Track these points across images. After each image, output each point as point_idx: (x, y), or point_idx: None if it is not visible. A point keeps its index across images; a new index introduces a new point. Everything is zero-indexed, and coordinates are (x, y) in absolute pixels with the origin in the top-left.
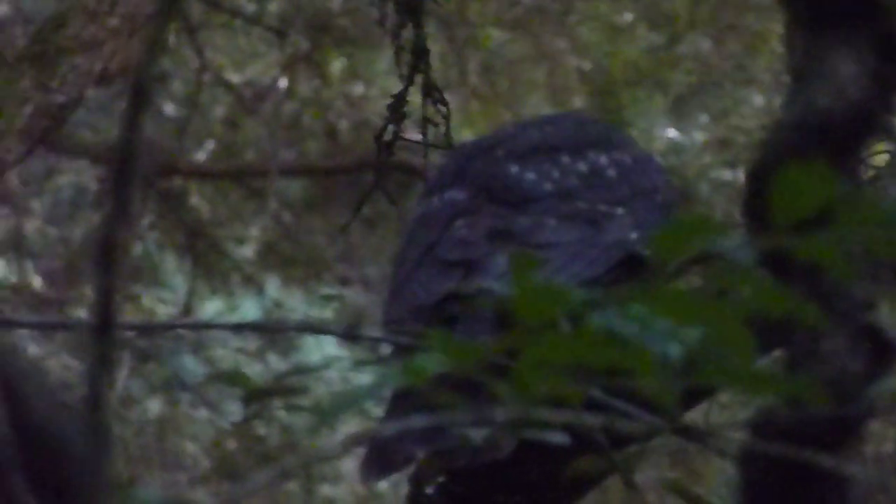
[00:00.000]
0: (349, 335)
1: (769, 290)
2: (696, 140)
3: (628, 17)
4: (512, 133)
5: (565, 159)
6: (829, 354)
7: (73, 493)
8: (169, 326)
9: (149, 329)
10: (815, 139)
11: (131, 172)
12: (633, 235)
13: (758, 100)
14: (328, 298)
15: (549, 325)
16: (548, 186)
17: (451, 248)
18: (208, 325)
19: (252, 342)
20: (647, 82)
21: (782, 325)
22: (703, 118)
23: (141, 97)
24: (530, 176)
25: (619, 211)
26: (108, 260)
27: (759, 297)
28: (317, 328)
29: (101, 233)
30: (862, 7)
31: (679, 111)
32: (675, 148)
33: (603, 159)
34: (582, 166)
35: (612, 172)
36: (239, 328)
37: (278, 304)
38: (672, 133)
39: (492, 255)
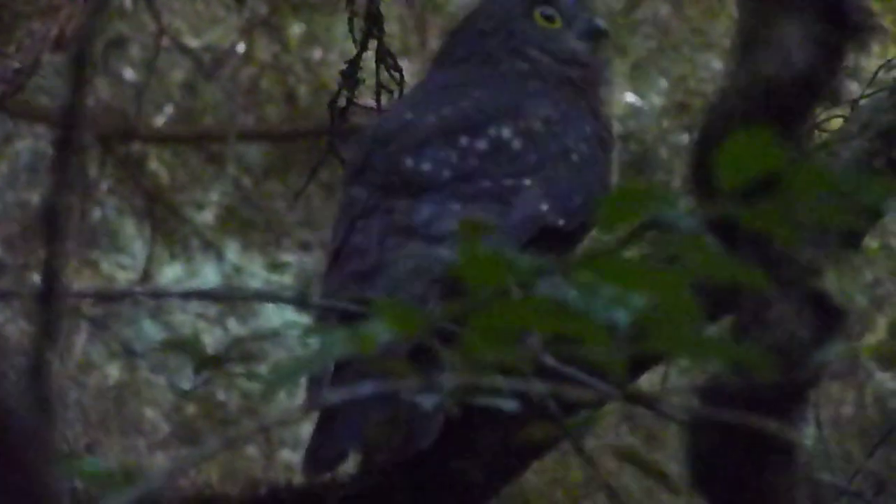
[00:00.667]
0: (301, 303)
1: (716, 256)
2: (655, 104)
3: None
4: (410, 120)
5: (463, 141)
6: (777, 321)
7: (16, 462)
8: (127, 293)
9: (107, 296)
10: (761, 106)
11: (77, 138)
12: (544, 207)
13: (716, 64)
14: (284, 264)
15: (496, 292)
16: (446, 173)
17: (348, 258)
18: (166, 293)
19: (212, 308)
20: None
21: (730, 291)
22: (662, 83)
23: (83, 60)
24: (426, 166)
25: (527, 182)
26: (54, 227)
27: (705, 263)
28: (269, 296)
29: (48, 200)
30: None
31: (638, 75)
32: (633, 112)
33: (506, 131)
34: (482, 144)
35: (517, 143)
36: (195, 295)
37: (238, 270)
38: (631, 97)
39: (382, 266)
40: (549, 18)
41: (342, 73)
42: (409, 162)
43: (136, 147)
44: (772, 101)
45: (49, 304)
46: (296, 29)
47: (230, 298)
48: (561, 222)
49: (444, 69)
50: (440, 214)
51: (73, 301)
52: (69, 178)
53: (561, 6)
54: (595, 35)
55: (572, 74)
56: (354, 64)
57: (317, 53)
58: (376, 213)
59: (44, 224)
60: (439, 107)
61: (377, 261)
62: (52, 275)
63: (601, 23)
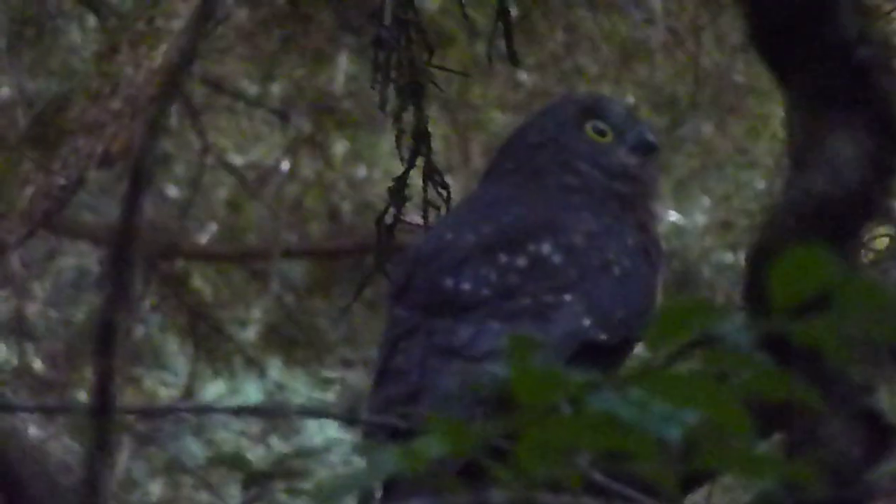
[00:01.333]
0: (349, 419)
1: (768, 373)
2: (698, 223)
3: (631, 99)
4: (451, 239)
5: (503, 258)
6: (828, 438)
7: None
8: (170, 410)
9: (150, 413)
10: (813, 223)
11: (130, 255)
12: (586, 322)
13: (759, 183)
14: (328, 381)
15: (548, 408)
16: (486, 291)
17: (390, 380)
18: (209, 409)
19: (254, 425)
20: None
21: (782, 408)
22: (705, 201)
23: (140, 179)
24: (466, 286)
25: (568, 298)
26: (106, 344)
27: (758, 380)
28: (316, 412)
29: (100, 316)
30: (860, 91)
31: (681, 194)
32: (677, 230)
33: (545, 247)
34: (521, 261)
35: (556, 258)
36: (239, 412)
37: (280, 387)
38: (674, 216)
39: (424, 389)
40: (600, 133)
41: (389, 190)
42: (448, 282)
43: (180, 264)
44: (824, 218)
45: (102, 420)
46: (339, 146)
47: (276, 415)
48: (603, 337)
49: (491, 183)
50: (480, 334)
51: (117, 417)
52: (123, 293)
53: (612, 120)
54: (646, 149)
55: (622, 189)
56: (402, 181)
57: (360, 171)
58: (417, 333)
59: (97, 339)
60: (480, 224)
61: (419, 383)
62: (105, 390)
63: (652, 137)
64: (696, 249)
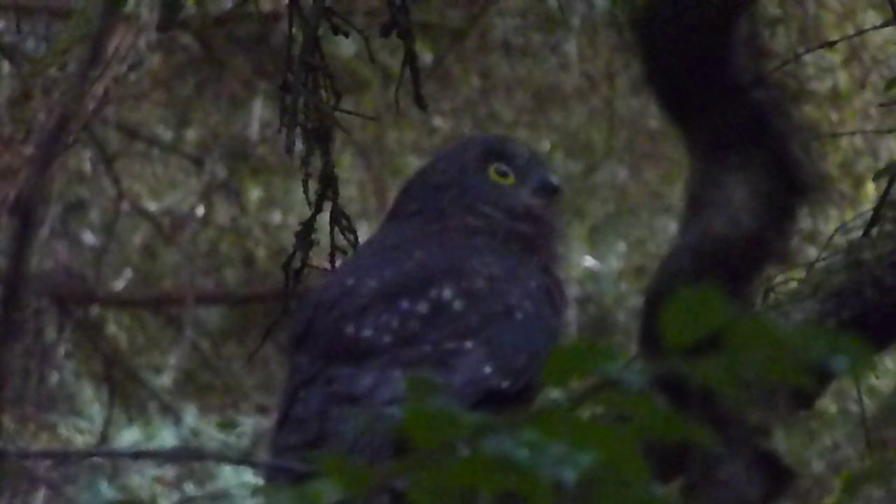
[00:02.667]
0: (247, 462)
1: (664, 415)
2: (613, 267)
3: (546, 144)
4: (352, 285)
5: (404, 304)
6: (727, 480)
7: None
8: (82, 455)
9: (62, 457)
10: (709, 265)
11: (18, 297)
12: (488, 369)
13: (674, 227)
14: (231, 424)
15: (443, 449)
16: (387, 339)
17: (290, 429)
18: (118, 454)
19: (169, 471)
20: (565, 210)
21: (680, 451)
22: (620, 246)
23: (29, 221)
24: (367, 333)
25: (469, 345)
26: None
27: (654, 422)
28: (215, 456)
29: None
30: (756, 133)
31: (596, 239)
32: (592, 275)
33: (447, 292)
34: (422, 307)
35: (458, 304)
36: (141, 456)
37: (196, 433)
38: (589, 261)
39: (324, 437)
40: (503, 175)
41: (297, 234)
42: (350, 328)
43: (95, 310)
44: (720, 260)
45: None
46: (254, 192)
47: (179, 459)
48: (505, 384)
49: (395, 225)
50: (382, 382)
51: (29, 463)
52: (11, 337)
53: (515, 162)
54: (549, 191)
55: (525, 230)
56: (309, 226)
57: (275, 217)
58: (317, 381)
59: None
60: (382, 269)
61: (319, 432)
62: None
63: (555, 179)
64: (611, 294)
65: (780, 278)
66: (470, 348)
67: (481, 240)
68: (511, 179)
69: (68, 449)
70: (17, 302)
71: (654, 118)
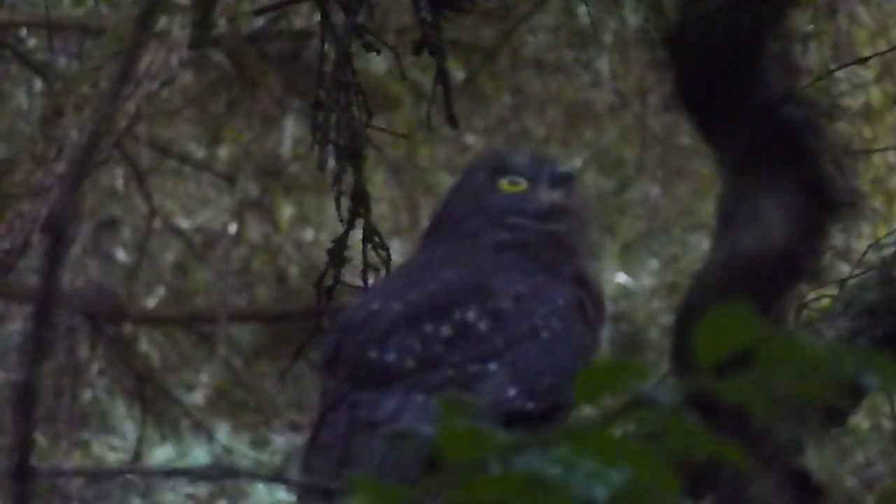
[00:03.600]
0: (277, 480)
1: (695, 432)
2: (646, 285)
3: (577, 162)
4: (377, 309)
5: (428, 327)
6: (758, 498)
7: None
8: (115, 473)
9: (96, 475)
10: (740, 282)
11: (51, 314)
12: (512, 392)
13: (706, 244)
14: (266, 442)
15: (475, 466)
16: (410, 363)
17: (317, 454)
18: (152, 472)
19: (202, 488)
20: (597, 227)
21: (711, 468)
22: (653, 263)
23: (60, 238)
24: (390, 357)
25: (493, 367)
26: (27, 403)
27: (685, 439)
28: (247, 474)
29: (21, 376)
30: (787, 150)
31: (628, 256)
32: (624, 293)
33: (471, 314)
34: (446, 330)
35: (482, 326)
36: (174, 474)
37: (228, 451)
38: (622, 278)
39: (348, 464)
40: (514, 184)
41: (329, 251)
42: (373, 353)
43: (127, 328)
44: (751, 277)
45: (22, 482)
46: (287, 210)
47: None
48: (530, 405)
49: (428, 248)
50: (403, 408)
51: (61, 481)
52: (44, 353)
53: (521, 169)
54: (563, 179)
55: (557, 228)
56: (341, 243)
57: (308, 234)
58: (343, 406)
59: (18, 400)
60: (407, 292)
61: (342, 458)
62: (25, 451)
63: (564, 168)
64: (643, 312)
65: (811, 296)
66: (494, 370)
67: (511, 256)
68: (523, 185)
69: (101, 467)
70: (49, 319)
71: (686, 135)
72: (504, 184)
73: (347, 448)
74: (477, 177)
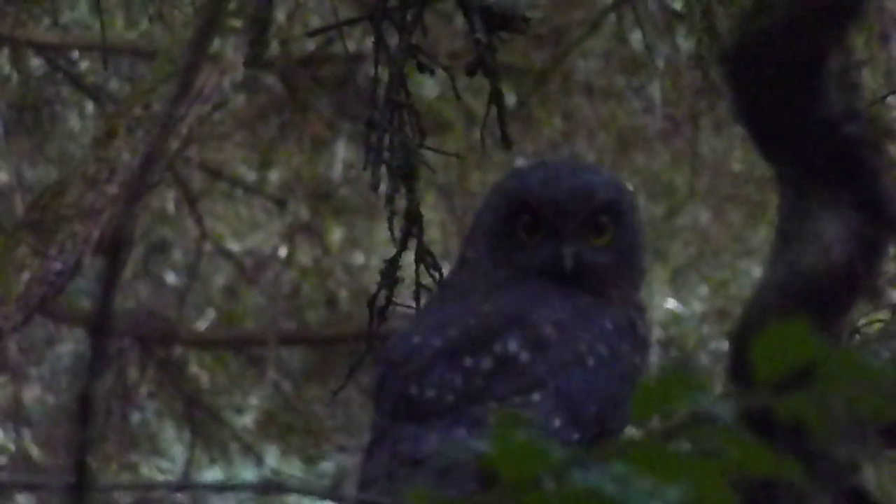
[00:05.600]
0: (329, 496)
1: (752, 449)
2: (696, 310)
3: (629, 186)
4: (418, 343)
5: (468, 361)
6: None
7: None
8: (170, 487)
9: (142, 488)
10: (798, 300)
11: (109, 329)
12: (557, 423)
13: (757, 271)
14: (317, 459)
15: (530, 482)
16: (450, 398)
17: (364, 487)
18: (197, 487)
19: None
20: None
21: (768, 486)
22: (703, 289)
23: (117, 257)
24: (430, 393)
25: (536, 397)
26: (85, 417)
27: (742, 456)
28: (300, 489)
29: (80, 387)
30: (846, 168)
31: (678, 282)
32: (675, 318)
33: (513, 344)
34: (487, 363)
35: (524, 356)
36: (222, 489)
37: (277, 474)
38: (672, 304)
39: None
40: (529, 232)
41: (381, 272)
42: (413, 389)
43: (177, 350)
44: (809, 294)
45: (79, 495)
46: (337, 233)
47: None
48: (576, 436)
49: (462, 272)
50: (447, 442)
51: (107, 495)
52: (102, 366)
53: (543, 213)
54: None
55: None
56: (394, 263)
57: (358, 258)
58: (385, 441)
59: (77, 413)
60: (445, 326)
61: (386, 493)
62: (82, 464)
63: (567, 256)
64: (693, 337)
65: (865, 320)
66: (538, 401)
67: (551, 279)
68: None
69: (153, 482)
70: (105, 341)
71: (737, 160)
72: (520, 226)
73: (391, 483)
74: (500, 207)
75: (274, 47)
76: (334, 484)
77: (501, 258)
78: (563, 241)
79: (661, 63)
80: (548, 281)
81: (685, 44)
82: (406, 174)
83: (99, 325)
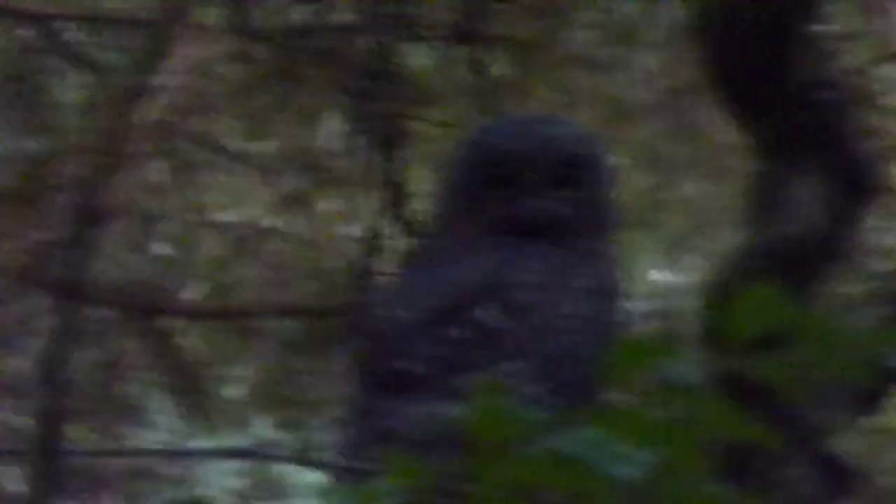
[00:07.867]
0: (313, 463)
1: (725, 413)
2: (687, 281)
3: (622, 158)
4: (396, 315)
5: (447, 331)
6: (787, 480)
7: None
8: (153, 453)
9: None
10: (770, 264)
11: (78, 293)
12: (538, 388)
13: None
14: (299, 427)
15: (505, 446)
16: (432, 369)
17: (346, 455)
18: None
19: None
20: (642, 225)
21: (742, 451)
22: (695, 260)
23: (92, 227)
24: (409, 365)
25: (517, 364)
26: (51, 383)
27: (714, 420)
28: (274, 456)
29: (46, 353)
30: (818, 134)
31: (670, 253)
32: (665, 289)
33: (489, 312)
34: (465, 332)
35: (501, 323)
36: (206, 455)
37: (265, 443)
38: (663, 274)
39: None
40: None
41: (363, 241)
42: (395, 362)
43: (167, 322)
44: (781, 259)
45: (46, 460)
46: (327, 205)
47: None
48: (556, 401)
49: (436, 232)
50: (427, 414)
51: (85, 462)
52: (69, 329)
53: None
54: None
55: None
56: (374, 233)
57: (353, 230)
58: (366, 415)
59: (44, 375)
60: (422, 295)
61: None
62: (49, 427)
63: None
64: (684, 308)
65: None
66: (518, 368)
67: (517, 234)
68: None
69: (139, 448)
70: (76, 309)
71: (732, 132)
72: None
73: (372, 455)
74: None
75: (264, 17)
76: (320, 453)
77: (469, 215)
78: (528, 194)
79: (646, 35)
80: (516, 238)
81: (666, 14)
82: (385, 143)
83: (70, 293)
